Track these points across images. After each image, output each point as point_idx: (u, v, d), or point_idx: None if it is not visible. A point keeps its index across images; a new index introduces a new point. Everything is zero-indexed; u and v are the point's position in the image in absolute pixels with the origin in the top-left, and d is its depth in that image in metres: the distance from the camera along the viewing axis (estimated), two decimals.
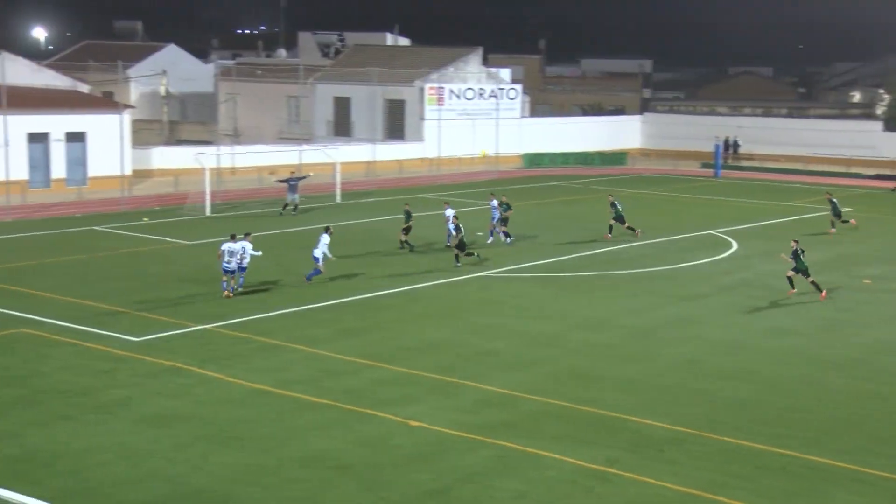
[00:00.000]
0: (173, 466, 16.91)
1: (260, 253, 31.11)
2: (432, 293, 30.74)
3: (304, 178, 48.18)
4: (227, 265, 29.27)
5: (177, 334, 25.18)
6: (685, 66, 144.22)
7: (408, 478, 16.68)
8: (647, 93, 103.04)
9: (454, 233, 35.16)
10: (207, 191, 46.70)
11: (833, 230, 43.28)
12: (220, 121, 69.61)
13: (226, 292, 29.25)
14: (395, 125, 72.35)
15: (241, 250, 29.39)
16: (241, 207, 49.18)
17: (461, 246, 34.59)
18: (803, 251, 30.88)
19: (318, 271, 31.39)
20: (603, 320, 27.86)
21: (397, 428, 18.99)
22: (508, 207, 39.59)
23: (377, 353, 23.98)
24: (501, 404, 20.52)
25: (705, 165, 72.89)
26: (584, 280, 33.38)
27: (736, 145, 76.51)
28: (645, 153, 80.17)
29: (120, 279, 31.70)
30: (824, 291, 30.75)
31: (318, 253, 31.32)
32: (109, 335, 24.85)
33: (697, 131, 79.39)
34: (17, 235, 39.95)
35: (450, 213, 37.66)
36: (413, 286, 31.54)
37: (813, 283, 30.74)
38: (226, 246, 29.44)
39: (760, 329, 27.22)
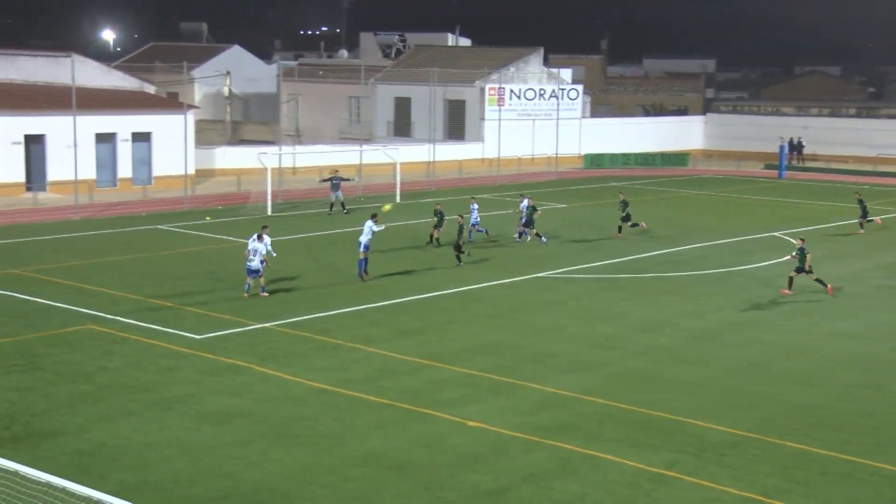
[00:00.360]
0: (232, 463, 17.06)
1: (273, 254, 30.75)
2: (490, 294, 30.68)
3: (346, 179, 48.26)
4: (250, 264, 29.07)
5: (237, 332, 25.43)
6: (749, 65, 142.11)
7: (465, 478, 16.62)
8: (709, 93, 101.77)
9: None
10: (269, 190, 47.13)
11: (862, 231, 43.32)
12: (282, 121, 70.19)
13: (245, 294, 29.11)
14: (455, 125, 72.42)
15: (264, 248, 29.30)
16: (301, 207, 49.62)
17: (458, 247, 34.50)
18: (806, 252, 31.14)
19: (362, 261, 31.42)
20: (663, 322, 27.56)
21: (455, 428, 18.94)
22: (535, 209, 39.84)
23: (435, 353, 23.98)
24: (561, 406, 20.38)
25: (769, 167, 71.75)
26: (643, 282, 33.06)
27: (800, 146, 75.21)
28: (707, 154, 79.19)
29: (183, 277, 32.13)
30: (829, 286, 31.04)
31: (363, 238, 31.46)
32: (173, 332, 25.19)
33: (761, 132, 78.23)
34: (85, 234, 40.69)
35: (524, 203, 38.82)
36: (470, 286, 31.49)
37: (817, 280, 31.10)
38: (252, 245, 29.34)
39: (824, 333, 26.70)
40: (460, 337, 25.57)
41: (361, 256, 31.52)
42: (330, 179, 47.31)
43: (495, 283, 32.26)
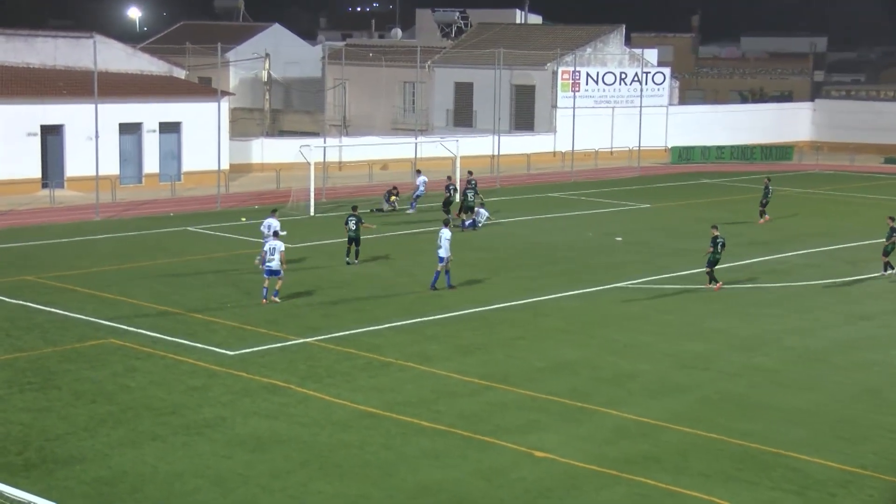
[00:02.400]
0: (269, 496, 17.21)
1: (284, 233, 32.38)
2: (562, 306, 30.62)
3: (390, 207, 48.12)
4: (269, 264, 29.73)
5: (274, 348, 25.67)
6: (867, 44, 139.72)
7: None
8: (819, 76, 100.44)
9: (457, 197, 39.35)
10: (312, 188, 47.53)
11: (762, 220, 46.42)
12: (328, 109, 70.75)
13: (264, 300, 29.79)
14: (524, 114, 72.40)
15: (282, 246, 29.86)
16: (348, 207, 49.87)
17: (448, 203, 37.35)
18: (723, 243, 32.51)
19: (438, 275, 31.66)
20: (763, 340, 27.26)
21: (521, 459, 18.92)
22: (476, 193, 44.26)
23: (499, 373, 23.98)
24: (643, 435, 20.26)
25: (889, 161, 70.59)
26: (739, 293, 32.73)
27: None
28: (816, 146, 78.07)
29: (214, 286, 32.52)
30: (719, 283, 32.68)
31: (443, 252, 31.61)
32: (202, 348, 25.50)
33: (880, 120, 76.99)
34: (106, 236, 41.38)
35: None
36: (541, 297, 31.48)
37: (709, 273, 32.76)
38: (268, 244, 30.02)
39: None
40: (529, 355, 25.55)
41: (439, 269, 31.64)
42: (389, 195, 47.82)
43: (569, 293, 32.17)
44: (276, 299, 30.02)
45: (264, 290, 30.16)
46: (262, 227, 32.53)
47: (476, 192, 45.27)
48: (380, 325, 28.03)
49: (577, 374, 24.01)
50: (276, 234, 30.94)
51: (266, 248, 30.00)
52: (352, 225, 35.48)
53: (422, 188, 48.43)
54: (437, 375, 23.66)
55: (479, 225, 43.81)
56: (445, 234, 31.98)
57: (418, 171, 49.07)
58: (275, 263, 29.84)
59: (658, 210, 50.25)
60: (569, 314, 29.66)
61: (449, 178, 45.54)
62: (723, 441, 20.00)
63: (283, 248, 30.03)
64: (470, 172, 47.56)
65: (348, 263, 35.19)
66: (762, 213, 47.01)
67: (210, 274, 34.39)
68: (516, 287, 32.53)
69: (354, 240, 35.60)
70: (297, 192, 48.72)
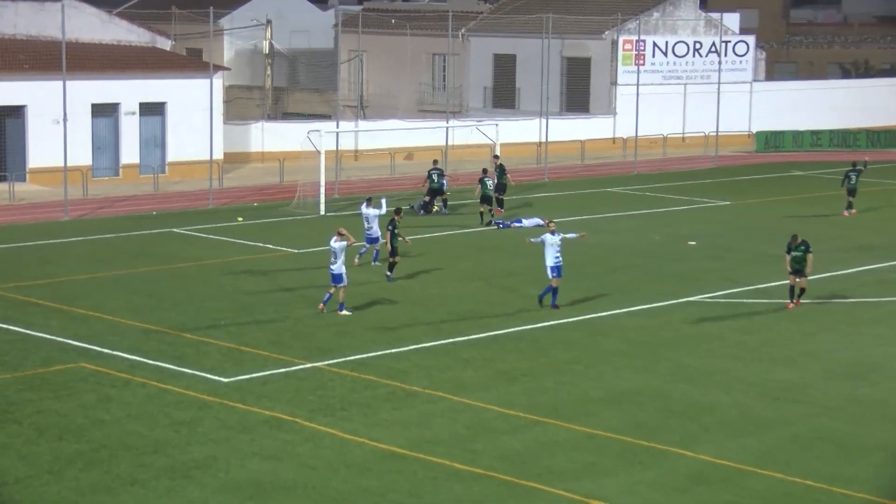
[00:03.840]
0: None
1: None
2: (624, 324, 30.51)
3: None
4: (332, 267, 30.80)
5: (278, 374, 25.68)
6: None
7: None
8: None
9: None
10: (322, 181, 47.60)
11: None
12: (341, 87, 70.76)
13: (322, 306, 30.78)
14: (577, 93, 72.23)
15: (341, 249, 30.75)
16: (362, 204, 50.04)
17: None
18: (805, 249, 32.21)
19: (549, 289, 31.51)
20: (871, 366, 27.03)
21: None
22: (503, 172, 47.15)
23: (548, 404, 23.89)
24: (722, 481, 20.13)
25: None
26: (840, 309, 32.51)
27: None
28: None
29: (206, 299, 32.62)
30: (795, 302, 32.47)
31: (550, 259, 31.36)
32: (191, 373, 25.53)
33: None
34: (77, 239, 41.58)
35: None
36: (598, 314, 31.39)
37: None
38: (334, 243, 30.95)
39: None
40: (584, 383, 25.44)
41: (555, 285, 31.48)
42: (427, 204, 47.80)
43: (632, 309, 32.06)
44: (343, 312, 30.68)
45: (326, 296, 30.82)
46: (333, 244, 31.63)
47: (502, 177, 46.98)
48: (405, 346, 28.00)
49: (641, 407, 23.88)
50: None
51: (335, 246, 30.72)
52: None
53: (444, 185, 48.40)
54: (473, 408, 23.59)
55: (515, 226, 43.91)
56: (550, 239, 31.67)
57: (440, 171, 48.35)
58: (337, 267, 30.62)
59: (740, 208, 50.04)
60: (632, 334, 29.55)
61: (485, 170, 45.68)
62: (821, 490, 19.83)
63: (342, 245, 30.80)
64: (496, 156, 48.64)
65: (390, 279, 34.86)
66: (850, 205, 47.45)
67: (201, 285, 34.48)
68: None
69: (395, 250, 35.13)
70: (305, 187, 48.79)
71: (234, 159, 58.61)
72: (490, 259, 38.80)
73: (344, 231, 31.32)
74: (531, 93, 69.34)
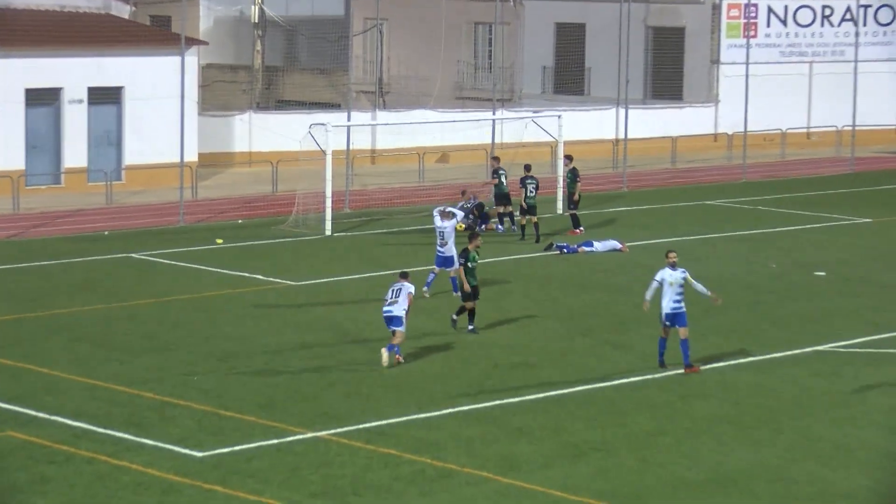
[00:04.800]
0: None
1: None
2: (730, 381, 30.28)
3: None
4: (385, 309, 31.53)
5: (269, 447, 25.61)
6: None
7: None
8: None
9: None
10: (328, 191, 47.60)
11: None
12: (354, 67, 70.88)
13: (386, 355, 31.00)
14: (667, 74, 72.03)
15: (412, 288, 31.64)
16: (387, 222, 50.34)
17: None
18: None
19: (664, 344, 31.16)
20: None
21: None
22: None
23: (627, 488, 23.78)
24: None
25: None
26: None
27: None
28: None
29: (174, 347, 32.62)
30: None
31: (669, 302, 31.03)
32: (154, 445, 25.44)
33: None
34: (4, 268, 41.69)
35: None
36: (707, 366, 31.25)
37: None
38: (392, 286, 31.68)
39: None
40: (675, 461, 25.28)
41: (682, 336, 31.09)
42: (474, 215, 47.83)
43: (740, 361, 31.88)
44: (399, 358, 31.26)
45: (389, 349, 31.18)
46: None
47: (536, 186, 46.81)
48: (437, 409, 27.86)
49: (755, 495, 23.70)
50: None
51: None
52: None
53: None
54: (528, 492, 23.46)
55: (584, 251, 43.96)
56: (670, 276, 31.11)
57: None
58: (397, 308, 31.09)
59: (884, 228, 49.90)
60: (739, 394, 29.37)
61: (527, 167, 46.09)
62: None
63: (412, 290, 31.44)
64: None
65: (472, 330, 34.53)
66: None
67: (167, 328, 34.49)
68: (653, 351, 32.25)
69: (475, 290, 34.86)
70: (305, 199, 48.91)
71: (213, 162, 58.80)
72: (552, 294, 38.71)
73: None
74: (605, 74, 69.28)
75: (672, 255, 31.72)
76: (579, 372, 30.81)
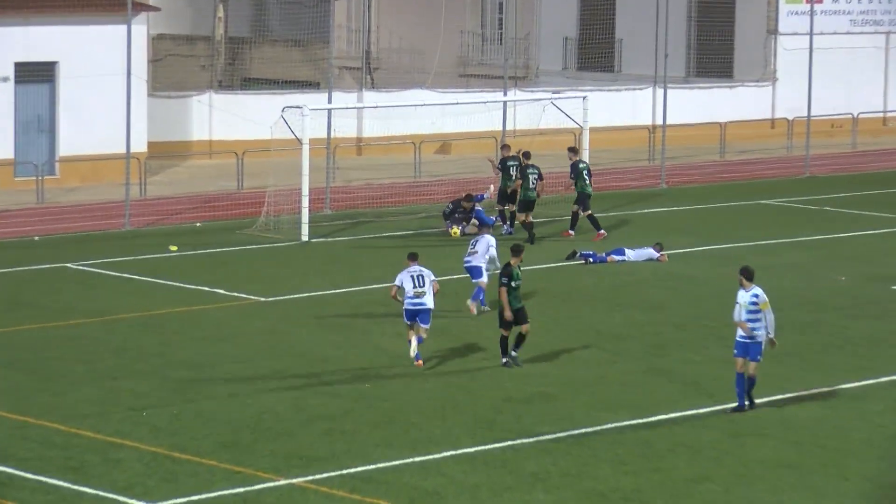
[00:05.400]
0: None
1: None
2: (790, 416, 30.27)
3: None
4: (410, 304, 33.22)
5: (233, 496, 25.54)
6: None
7: None
8: None
9: None
10: (305, 188, 47.75)
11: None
12: (336, 39, 70.92)
13: (415, 355, 32.81)
14: (713, 48, 72.10)
15: (421, 275, 33.14)
16: (376, 226, 50.63)
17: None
18: None
19: (743, 383, 31.13)
20: None
21: None
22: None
23: None
24: None
25: None
26: None
27: None
28: None
29: (120, 375, 32.61)
30: None
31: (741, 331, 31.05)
32: (95, 494, 25.35)
33: None
34: None
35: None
36: (761, 399, 31.21)
37: None
38: (403, 273, 33.05)
39: None
40: None
41: (750, 372, 30.96)
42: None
43: (801, 394, 31.89)
44: (420, 362, 32.92)
45: (410, 343, 32.69)
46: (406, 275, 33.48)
47: (539, 175, 47.67)
48: (436, 451, 27.86)
49: None
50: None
51: (400, 277, 33.17)
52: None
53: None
54: None
55: (615, 259, 44.03)
56: (742, 297, 30.94)
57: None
58: (428, 299, 32.91)
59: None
60: (802, 434, 29.34)
61: (527, 154, 46.53)
62: None
63: (434, 278, 33.06)
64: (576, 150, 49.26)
65: (510, 362, 34.40)
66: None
67: (111, 354, 34.52)
68: (696, 379, 32.24)
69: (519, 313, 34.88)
70: (277, 197, 49.06)
71: (166, 153, 59.01)
72: (575, 311, 38.86)
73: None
74: (640, 47, 69.37)
75: (746, 279, 31.22)
76: (608, 406, 30.80)
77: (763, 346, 30.33)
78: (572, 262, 44.04)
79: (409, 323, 33.17)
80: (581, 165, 48.21)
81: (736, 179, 59.53)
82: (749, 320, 30.54)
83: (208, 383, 31.93)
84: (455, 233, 46.83)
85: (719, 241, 46.40)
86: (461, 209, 47.93)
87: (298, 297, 39.64)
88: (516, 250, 34.16)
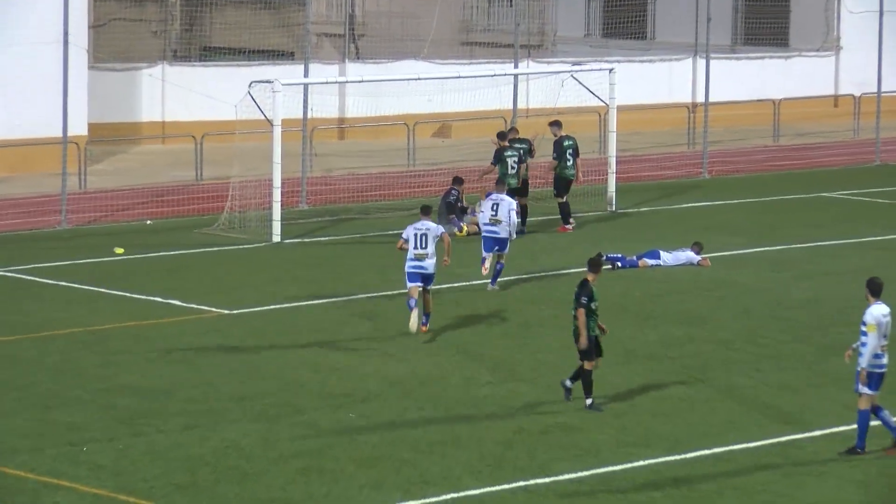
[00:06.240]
0: None
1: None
2: (872, 457, 30.16)
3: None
4: (412, 265, 34.71)
5: None
6: None
7: None
8: None
9: None
10: (277, 179, 47.89)
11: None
12: (314, 1, 71.03)
13: (416, 322, 34.44)
14: (764, 14, 72.17)
15: (425, 234, 34.66)
16: (361, 224, 50.88)
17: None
18: None
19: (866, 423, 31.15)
20: None
21: None
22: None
23: None
24: None
25: None
26: None
27: None
28: None
29: (54, 403, 32.63)
30: None
31: (869, 361, 30.98)
32: None
33: None
34: None
35: None
36: (809, 432, 31.21)
37: None
38: (410, 228, 34.90)
39: None
40: None
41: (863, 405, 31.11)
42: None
43: (875, 423, 31.81)
44: (426, 327, 34.70)
45: (410, 302, 33.95)
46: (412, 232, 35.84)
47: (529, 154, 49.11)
48: (434, 493, 27.88)
49: None
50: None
51: (408, 232, 35.07)
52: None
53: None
54: None
55: (648, 264, 44.08)
56: (875, 314, 30.90)
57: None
58: (429, 263, 34.45)
59: None
60: (868, 469, 29.42)
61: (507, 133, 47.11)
62: None
63: (442, 232, 35.15)
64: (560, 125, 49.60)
65: (592, 406, 34.36)
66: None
67: (45, 376, 34.55)
68: (746, 407, 32.37)
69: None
70: (243, 190, 49.21)
71: (111, 135, 59.12)
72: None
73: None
74: (677, 11, 69.47)
75: (873, 298, 30.83)
76: (640, 439, 30.83)
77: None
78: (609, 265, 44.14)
79: (410, 285, 34.76)
80: (567, 143, 48.73)
81: (792, 168, 59.59)
82: (880, 348, 30.23)
83: (160, 413, 31.95)
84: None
85: (772, 242, 46.49)
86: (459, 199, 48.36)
87: (269, 310, 39.68)
88: (595, 265, 33.68)
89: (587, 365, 32.45)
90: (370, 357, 35.63)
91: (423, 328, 35.30)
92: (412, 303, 35.04)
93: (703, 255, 44.35)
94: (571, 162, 48.25)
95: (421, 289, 35.36)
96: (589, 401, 32.37)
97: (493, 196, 41.52)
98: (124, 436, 30.64)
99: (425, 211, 35.31)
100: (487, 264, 40.77)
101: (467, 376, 34.13)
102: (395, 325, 36.41)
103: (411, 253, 35.08)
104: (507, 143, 48.67)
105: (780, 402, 32.72)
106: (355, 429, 31.07)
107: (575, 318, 32.40)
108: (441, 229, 35.45)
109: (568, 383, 32.99)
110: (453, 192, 48.73)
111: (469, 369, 34.78)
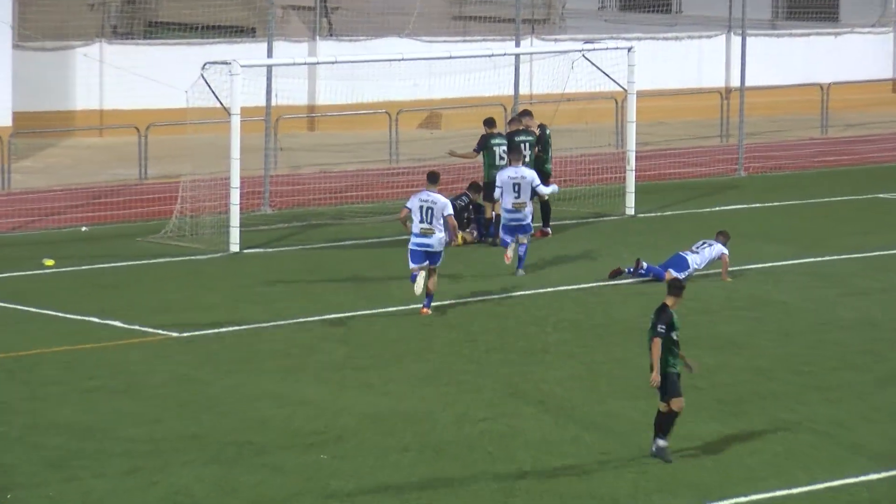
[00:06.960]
0: None
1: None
2: None
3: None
4: (417, 241, 35.93)
5: None
6: None
7: None
8: None
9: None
10: (235, 178, 47.87)
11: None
12: None
13: (422, 284, 35.69)
14: None
15: (431, 207, 35.75)
16: (334, 231, 50.92)
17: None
18: None
19: None
20: None
21: None
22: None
23: None
24: None
25: None
26: None
27: None
28: None
29: None
30: None
31: None
32: None
33: None
34: None
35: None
36: (855, 477, 31.06)
37: None
38: (414, 199, 36.27)
39: None
40: None
41: None
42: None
43: None
44: (427, 310, 36.29)
45: (413, 276, 35.09)
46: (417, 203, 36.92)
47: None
48: None
49: None
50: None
51: (412, 201, 36.26)
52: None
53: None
54: None
55: (675, 275, 43.99)
56: None
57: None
58: (436, 240, 35.77)
59: None
60: None
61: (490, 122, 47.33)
62: None
63: (449, 211, 36.16)
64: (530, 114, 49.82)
65: (659, 452, 34.39)
66: None
67: None
68: (788, 448, 32.39)
69: None
70: (195, 190, 49.32)
71: (39, 126, 59.17)
72: (614, 352, 38.97)
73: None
74: None
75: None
76: (663, 485, 30.81)
77: None
78: (618, 282, 44.11)
79: (413, 266, 35.96)
80: (549, 132, 48.77)
81: (842, 164, 59.80)
82: None
83: (98, 454, 31.93)
84: (460, 240, 47.13)
85: (818, 253, 46.69)
86: (471, 205, 48.50)
87: (225, 332, 39.69)
88: (675, 288, 31.70)
89: (673, 405, 31.20)
90: (345, 389, 35.66)
91: (426, 310, 36.23)
92: (416, 276, 36.12)
93: (725, 252, 44.22)
94: (547, 155, 48.49)
95: (426, 263, 36.27)
96: (662, 443, 31.38)
97: (510, 171, 43.13)
98: (55, 481, 30.61)
99: (432, 178, 36.18)
100: (510, 252, 43.10)
101: (460, 412, 34.15)
102: (374, 350, 36.47)
103: (416, 227, 35.98)
104: (494, 131, 48.78)
105: (828, 442, 32.76)
106: (327, 473, 31.03)
107: (650, 349, 31.07)
108: (449, 208, 36.16)
109: (661, 442, 31.67)
110: (463, 197, 48.77)
111: (462, 404, 34.80)
